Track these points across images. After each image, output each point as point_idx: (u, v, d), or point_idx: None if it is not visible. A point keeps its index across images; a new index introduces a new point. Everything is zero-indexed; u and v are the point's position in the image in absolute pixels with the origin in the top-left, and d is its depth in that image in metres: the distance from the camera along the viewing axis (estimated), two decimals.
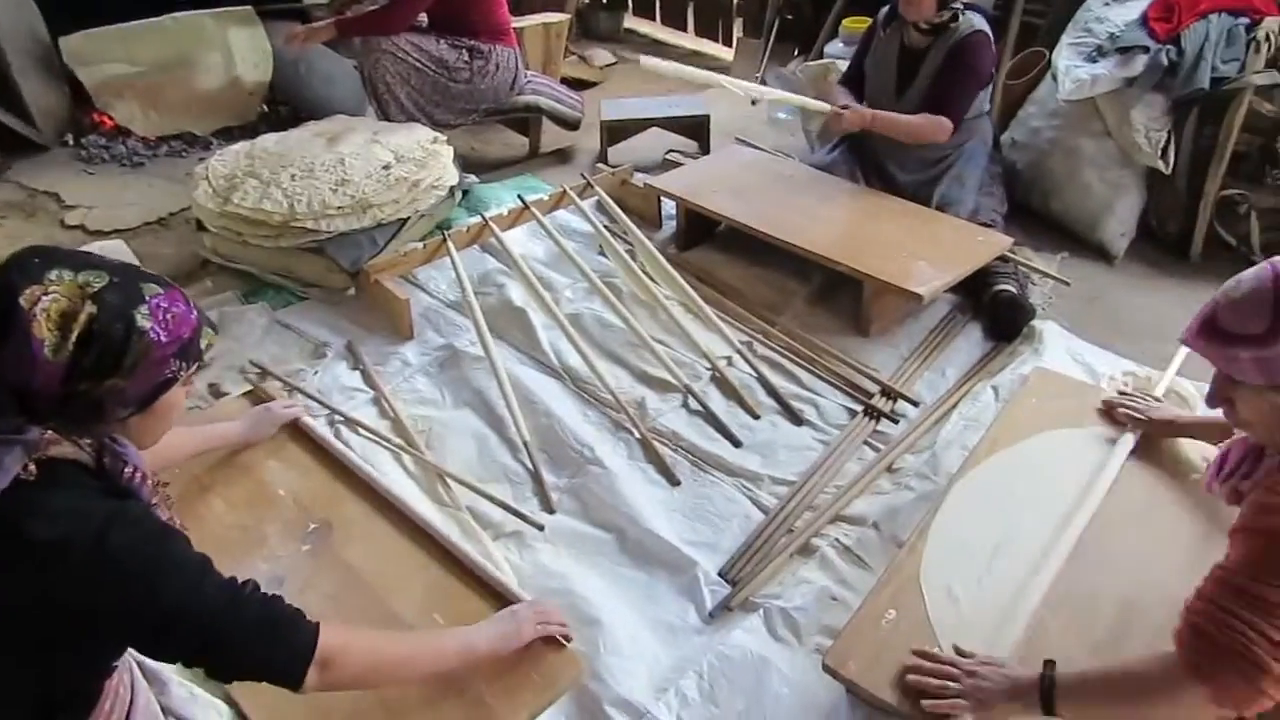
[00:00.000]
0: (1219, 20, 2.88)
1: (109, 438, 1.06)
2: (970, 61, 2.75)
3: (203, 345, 1.10)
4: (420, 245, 2.86)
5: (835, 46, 3.94)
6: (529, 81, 3.75)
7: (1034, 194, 3.28)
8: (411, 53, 3.36)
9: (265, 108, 4.22)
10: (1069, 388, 2.11)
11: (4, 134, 3.76)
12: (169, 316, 1.04)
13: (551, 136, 3.99)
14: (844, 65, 3.50)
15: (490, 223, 2.93)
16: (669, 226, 3.21)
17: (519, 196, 3.11)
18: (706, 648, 1.70)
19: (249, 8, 4.11)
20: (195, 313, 1.09)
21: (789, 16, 4.77)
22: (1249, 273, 1.12)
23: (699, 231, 3.09)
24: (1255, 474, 1.20)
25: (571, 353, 2.48)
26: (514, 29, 3.69)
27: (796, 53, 4.64)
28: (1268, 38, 2.86)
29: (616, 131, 3.85)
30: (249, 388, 2.27)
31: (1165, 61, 2.84)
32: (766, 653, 1.68)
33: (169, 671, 1.36)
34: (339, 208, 2.72)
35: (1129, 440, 1.84)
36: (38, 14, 3.92)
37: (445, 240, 2.82)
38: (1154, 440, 1.86)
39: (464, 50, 3.46)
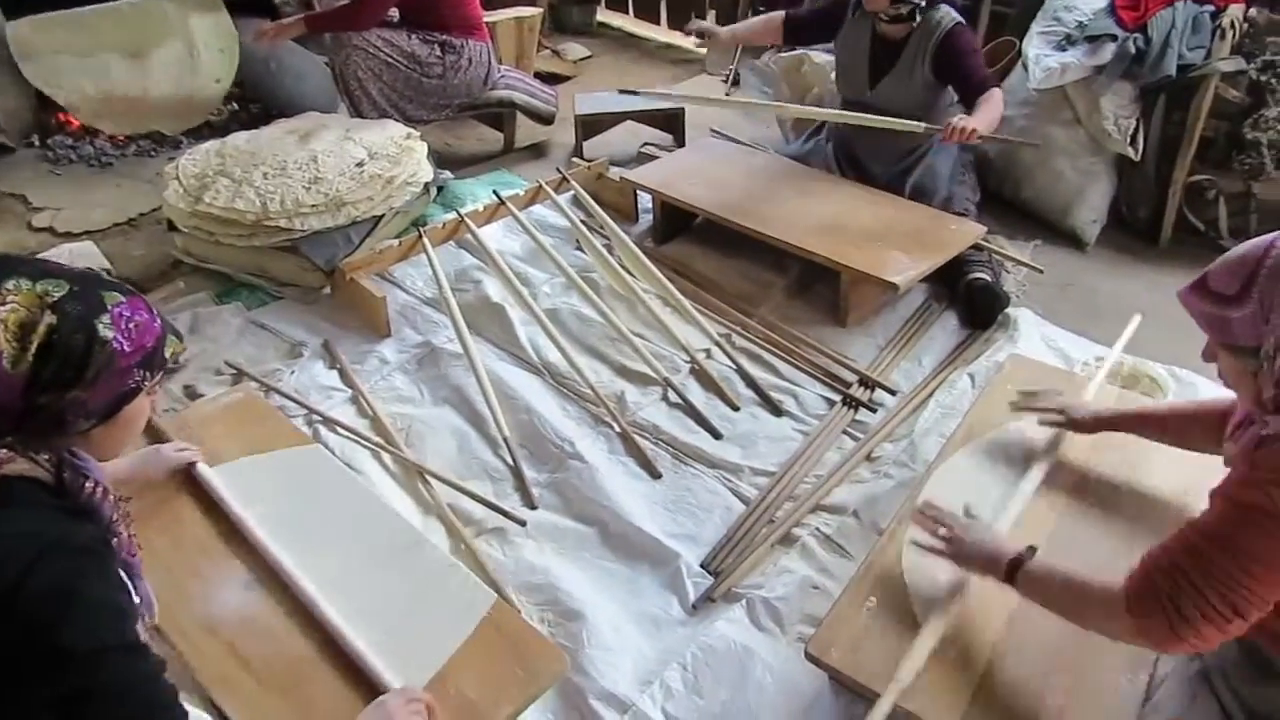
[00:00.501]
0: (1184, 8, 2.92)
1: (69, 451, 1.04)
2: (966, 46, 2.74)
3: (167, 354, 1.08)
4: (395, 242, 2.84)
5: None
6: (502, 76, 3.74)
7: (1006, 182, 3.31)
8: (383, 48, 3.34)
9: (236, 105, 4.16)
10: (1044, 374, 2.13)
11: None
12: (132, 325, 1.02)
13: (526, 131, 3.98)
14: (817, 56, 3.51)
15: (466, 219, 2.92)
16: (645, 220, 3.21)
17: (494, 192, 3.09)
18: (690, 639, 1.71)
19: None
20: (159, 321, 1.07)
21: (761, 8, 4.78)
22: (1250, 242, 1.17)
23: (676, 224, 3.10)
24: (1242, 440, 1.24)
25: (550, 348, 2.47)
26: (486, 23, 3.67)
27: (770, 44, 4.64)
28: (1232, 24, 2.91)
29: (591, 125, 3.85)
30: (225, 389, 2.25)
31: (1133, 49, 2.88)
32: (750, 643, 1.69)
33: None
34: (313, 206, 2.70)
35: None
36: None
37: (421, 237, 2.80)
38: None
39: (436, 45, 3.43)
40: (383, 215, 2.89)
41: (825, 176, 3.03)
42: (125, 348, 1.01)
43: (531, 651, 1.48)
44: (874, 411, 2.32)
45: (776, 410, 2.33)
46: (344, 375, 2.43)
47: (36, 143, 3.85)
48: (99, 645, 0.96)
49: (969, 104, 2.67)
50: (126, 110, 3.90)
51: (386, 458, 2.13)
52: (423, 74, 3.44)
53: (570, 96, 4.00)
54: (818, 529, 1.95)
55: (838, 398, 2.36)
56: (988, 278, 2.66)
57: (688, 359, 2.47)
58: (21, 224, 3.31)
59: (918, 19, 2.74)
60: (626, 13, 5.72)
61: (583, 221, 2.99)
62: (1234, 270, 1.14)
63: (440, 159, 3.51)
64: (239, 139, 3.04)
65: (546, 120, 3.91)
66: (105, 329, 0.99)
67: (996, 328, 2.60)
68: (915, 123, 2.66)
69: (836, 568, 1.85)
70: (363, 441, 2.16)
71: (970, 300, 2.65)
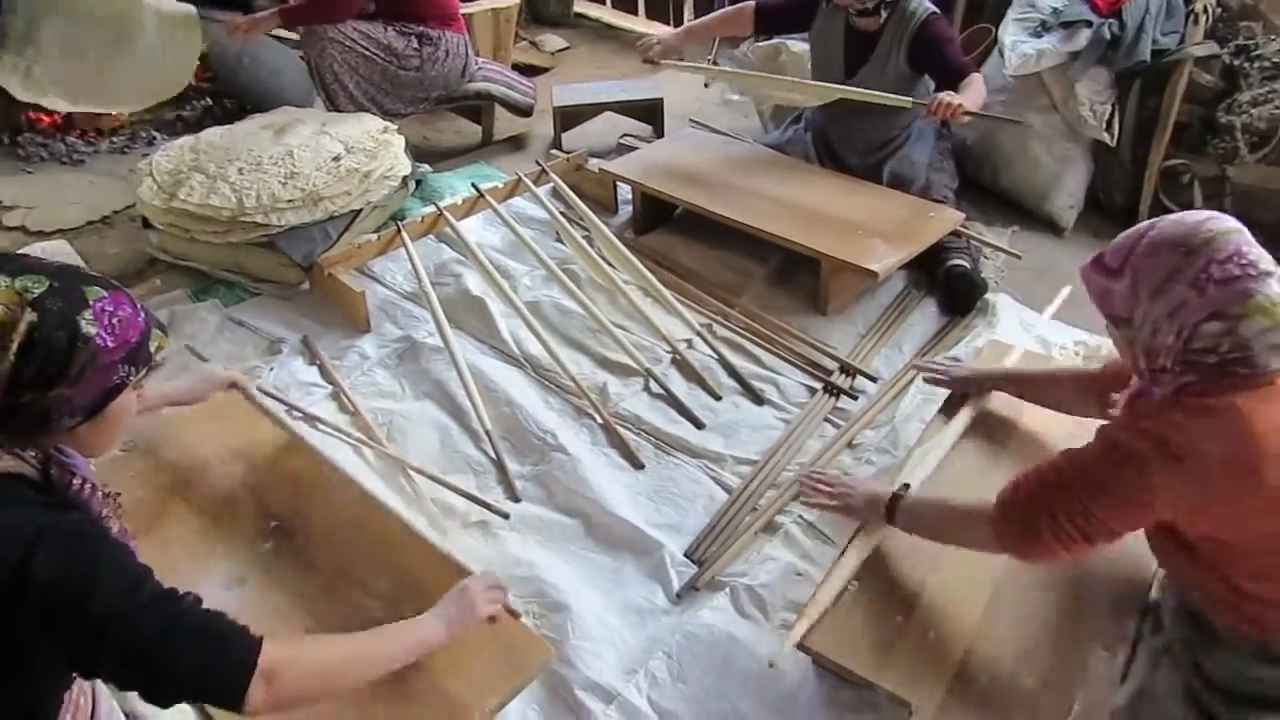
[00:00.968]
0: None
1: (55, 448, 1.03)
2: (942, 34, 2.74)
3: (152, 348, 1.07)
4: (374, 237, 2.82)
5: None
6: (480, 68, 3.71)
7: (984, 169, 3.32)
8: (359, 41, 3.31)
9: (210, 100, 4.11)
10: (1022, 358, 2.14)
11: None
12: (115, 320, 1.00)
13: (504, 123, 3.96)
14: (794, 45, 3.51)
15: (445, 212, 2.90)
16: (625, 211, 3.20)
17: (473, 185, 3.08)
18: (675, 628, 1.72)
19: None
20: (143, 315, 1.06)
21: None
22: (1147, 222, 1.24)
23: (656, 215, 3.09)
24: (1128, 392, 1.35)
25: (531, 340, 2.47)
26: (463, 15, 3.64)
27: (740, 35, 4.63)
28: (1205, 9, 2.93)
29: (570, 117, 3.83)
30: None
31: (1108, 35, 2.89)
32: (734, 630, 1.70)
33: None
34: (289, 201, 2.68)
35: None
36: None
37: (399, 231, 2.79)
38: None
39: (413, 37, 3.41)
40: (361, 209, 2.87)
41: (804, 166, 3.03)
42: (109, 343, 0.99)
43: (516, 643, 1.48)
44: (855, 399, 2.33)
45: (758, 399, 2.33)
46: (324, 371, 2.41)
47: (6, 140, 3.80)
48: (134, 603, 0.96)
49: (947, 87, 2.66)
50: (79, 86, 3.76)
51: (369, 453, 2.11)
52: (400, 66, 3.41)
53: (548, 88, 3.98)
54: (800, 516, 1.96)
55: (819, 385, 2.36)
56: (966, 264, 2.68)
57: (669, 349, 2.47)
58: None
59: (884, 12, 2.74)
60: (604, 3, 5.70)
61: (562, 213, 2.98)
62: (1120, 246, 1.23)
63: (418, 152, 3.49)
64: (213, 134, 3.01)
65: (525, 112, 3.89)
66: (88, 325, 0.97)
67: (975, 313, 2.62)
68: (902, 97, 2.67)
69: (819, 554, 1.86)
70: (344, 437, 2.15)
71: (949, 286, 2.66)
